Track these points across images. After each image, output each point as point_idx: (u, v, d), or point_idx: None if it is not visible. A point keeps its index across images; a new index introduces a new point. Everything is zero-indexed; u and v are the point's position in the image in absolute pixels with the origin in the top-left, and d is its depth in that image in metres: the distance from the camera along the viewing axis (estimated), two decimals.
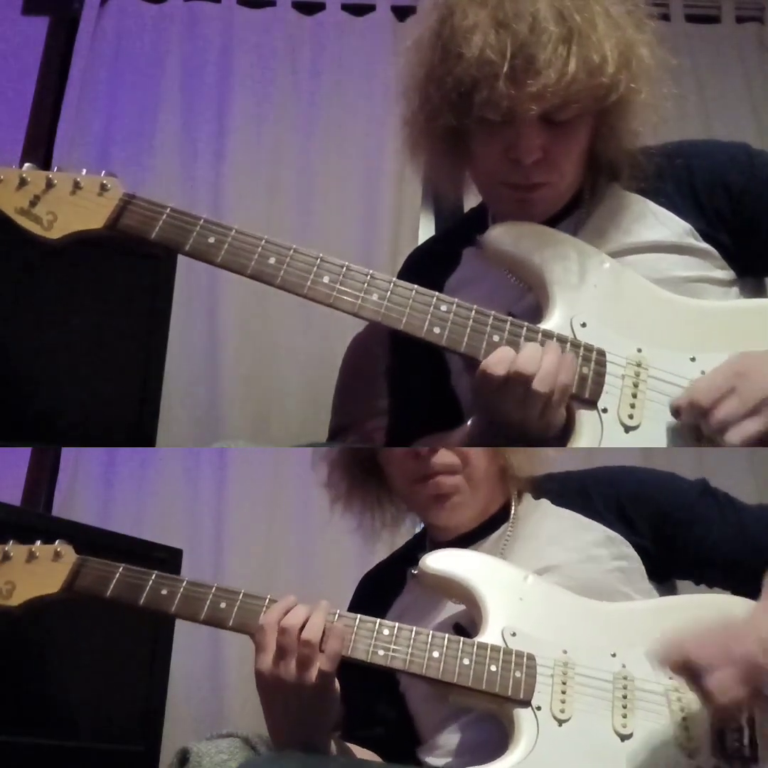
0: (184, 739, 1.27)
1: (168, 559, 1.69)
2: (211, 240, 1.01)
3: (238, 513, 2.27)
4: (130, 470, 2.31)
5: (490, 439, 1.09)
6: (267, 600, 1.04)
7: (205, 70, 2.54)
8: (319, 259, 1.02)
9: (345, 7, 2.62)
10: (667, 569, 1.15)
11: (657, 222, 1.10)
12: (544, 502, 1.19)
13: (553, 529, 1.16)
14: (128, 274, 1.78)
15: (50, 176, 1.02)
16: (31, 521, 1.68)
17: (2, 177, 1.01)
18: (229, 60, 2.55)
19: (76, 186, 1.03)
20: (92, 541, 1.52)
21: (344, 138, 2.50)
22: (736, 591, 1.09)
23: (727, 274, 1.10)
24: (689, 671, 0.92)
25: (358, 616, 1.04)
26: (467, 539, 1.18)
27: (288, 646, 0.97)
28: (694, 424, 0.97)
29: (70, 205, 1.02)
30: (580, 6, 0.98)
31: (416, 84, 1.07)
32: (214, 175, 2.44)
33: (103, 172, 1.04)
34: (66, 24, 2.61)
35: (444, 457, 1.13)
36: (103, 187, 1.03)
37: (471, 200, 1.27)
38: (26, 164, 1.03)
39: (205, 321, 2.33)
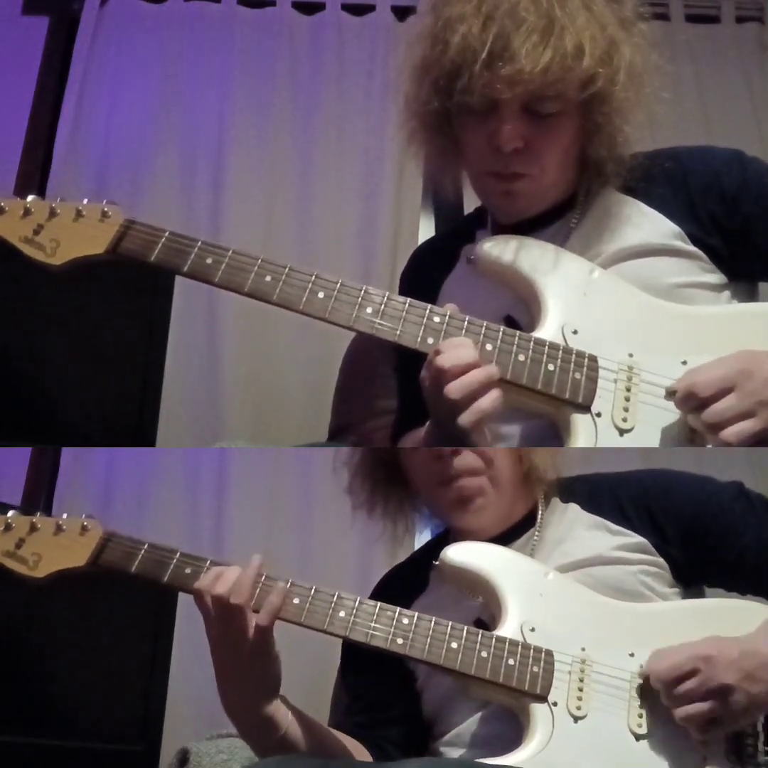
0: (184, 739, 1.27)
1: None
2: (209, 261, 1.04)
3: (238, 513, 2.27)
4: (130, 470, 2.31)
5: (438, 443, 1.09)
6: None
7: (204, 70, 2.54)
8: (314, 276, 1.04)
9: (345, 7, 2.62)
10: (696, 576, 1.13)
11: (647, 223, 1.11)
12: (573, 506, 1.17)
13: (579, 532, 1.14)
14: (128, 275, 1.78)
15: (53, 206, 1.06)
16: None
17: (7, 207, 1.05)
18: (229, 60, 2.55)
19: (79, 214, 1.06)
20: None
21: (344, 138, 2.50)
22: None
23: (717, 278, 1.10)
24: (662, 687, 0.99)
25: (378, 603, 1.05)
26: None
27: (222, 609, 1.00)
28: (685, 412, 0.97)
29: (72, 232, 1.05)
30: (563, 0, 1.01)
31: (411, 73, 1.11)
32: (213, 175, 2.44)
33: (105, 200, 1.08)
34: (66, 24, 2.61)
35: (466, 459, 1.12)
36: (105, 214, 1.06)
37: (473, 200, 1.28)
38: (30, 196, 1.06)
39: (204, 321, 2.33)
